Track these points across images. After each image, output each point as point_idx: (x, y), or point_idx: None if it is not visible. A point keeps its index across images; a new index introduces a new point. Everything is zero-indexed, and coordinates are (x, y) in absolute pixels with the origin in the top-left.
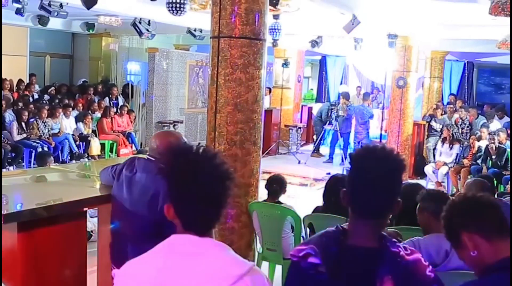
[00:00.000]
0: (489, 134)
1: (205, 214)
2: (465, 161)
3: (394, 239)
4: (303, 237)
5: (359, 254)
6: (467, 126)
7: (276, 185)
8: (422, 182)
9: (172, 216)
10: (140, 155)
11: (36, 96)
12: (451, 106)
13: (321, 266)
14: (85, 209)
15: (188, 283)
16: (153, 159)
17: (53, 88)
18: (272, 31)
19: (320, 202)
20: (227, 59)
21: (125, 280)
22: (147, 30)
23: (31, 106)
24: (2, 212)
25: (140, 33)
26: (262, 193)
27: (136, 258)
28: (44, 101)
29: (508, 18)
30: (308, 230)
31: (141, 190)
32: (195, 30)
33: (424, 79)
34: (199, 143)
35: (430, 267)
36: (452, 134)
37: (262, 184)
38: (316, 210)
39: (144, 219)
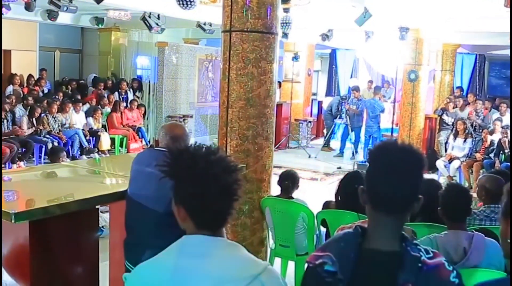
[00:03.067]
0: (502, 127)
1: (219, 208)
2: (478, 155)
3: (415, 242)
4: (316, 233)
5: (378, 260)
6: (480, 119)
7: (289, 180)
8: (434, 176)
9: (184, 218)
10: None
11: (46, 91)
12: (460, 99)
13: (339, 274)
14: (97, 207)
15: (202, 285)
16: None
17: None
18: (282, 24)
19: (331, 196)
20: (239, 53)
21: (137, 284)
22: (157, 24)
23: (44, 101)
24: (15, 210)
25: (150, 27)
26: (274, 188)
27: (148, 261)
28: (57, 97)
29: None
30: (319, 223)
31: (158, 184)
32: (204, 24)
33: (435, 72)
34: (195, 142)
35: (455, 272)
36: (465, 127)
37: (274, 179)
38: (326, 204)
39: (160, 213)
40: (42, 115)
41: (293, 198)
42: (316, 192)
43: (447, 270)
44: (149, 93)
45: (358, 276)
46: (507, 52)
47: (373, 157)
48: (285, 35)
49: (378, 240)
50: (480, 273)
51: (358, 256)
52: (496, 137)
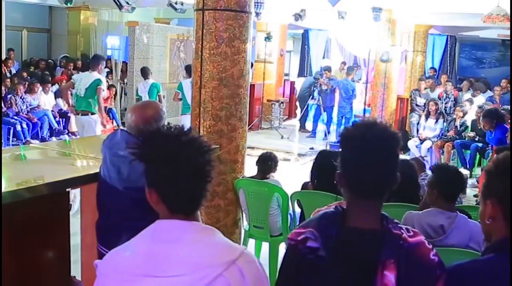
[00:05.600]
0: (479, 107)
1: (191, 191)
2: (450, 133)
3: (396, 220)
4: (290, 214)
5: (360, 237)
6: (451, 101)
7: (272, 162)
8: (405, 156)
9: (156, 202)
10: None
11: (14, 71)
12: (430, 80)
13: (321, 250)
14: (68, 189)
15: (176, 272)
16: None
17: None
18: (255, 4)
19: (305, 177)
20: (212, 32)
21: (108, 271)
22: (127, 3)
23: (8, 81)
24: None
25: (120, 6)
26: (248, 170)
27: (120, 247)
28: (28, 77)
29: None
30: (293, 204)
31: (129, 167)
32: (176, 3)
33: (407, 53)
34: (168, 123)
35: (434, 250)
36: (436, 108)
37: (247, 160)
38: (304, 186)
39: (135, 196)
40: (10, 96)
41: (268, 178)
42: (290, 173)
43: (427, 248)
44: (121, 73)
45: (339, 253)
46: (478, 33)
47: (350, 141)
48: (257, 15)
49: (359, 219)
50: (458, 254)
51: (340, 234)
52: (468, 118)
